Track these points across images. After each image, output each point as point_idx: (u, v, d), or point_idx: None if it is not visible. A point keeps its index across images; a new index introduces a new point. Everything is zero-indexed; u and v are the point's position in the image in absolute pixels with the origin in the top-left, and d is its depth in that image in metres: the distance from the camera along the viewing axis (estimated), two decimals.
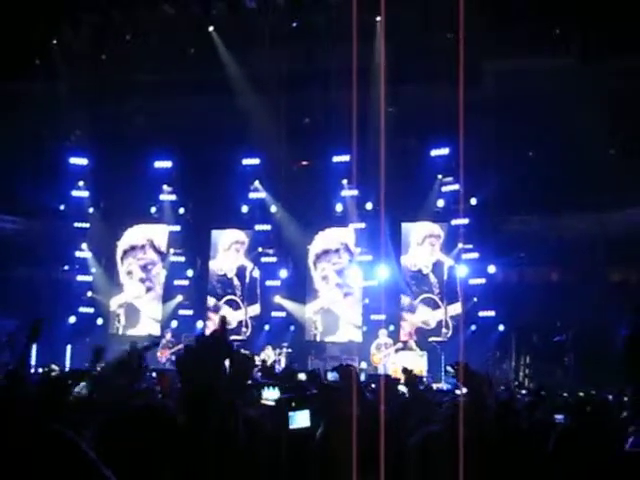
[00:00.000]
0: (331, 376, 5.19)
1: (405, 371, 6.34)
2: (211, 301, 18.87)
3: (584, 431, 3.10)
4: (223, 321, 2.67)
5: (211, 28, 17.81)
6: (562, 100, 14.77)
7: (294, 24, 17.44)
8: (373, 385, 9.18)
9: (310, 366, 15.14)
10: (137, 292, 19.26)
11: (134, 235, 19.51)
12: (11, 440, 2.26)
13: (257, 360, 15.07)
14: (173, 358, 16.58)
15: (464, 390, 3.80)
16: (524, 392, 12.48)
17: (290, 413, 3.65)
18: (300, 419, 3.64)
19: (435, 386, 13.29)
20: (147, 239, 19.46)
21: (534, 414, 5.05)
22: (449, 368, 12.33)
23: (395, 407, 4.45)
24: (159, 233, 19.44)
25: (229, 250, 18.99)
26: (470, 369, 3.90)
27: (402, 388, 6.27)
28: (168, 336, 17.45)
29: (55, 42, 18.14)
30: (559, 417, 4.90)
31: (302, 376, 5.11)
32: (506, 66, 15.66)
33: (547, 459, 3.28)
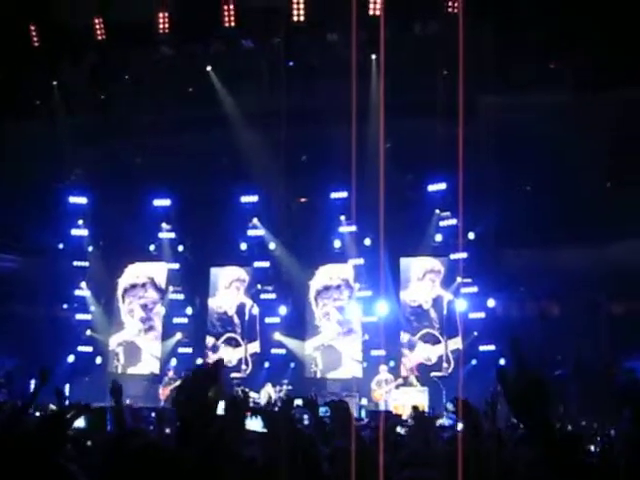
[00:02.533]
0: (322, 411, 5.13)
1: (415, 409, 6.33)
2: (210, 340, 18.79)
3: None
4: (219, 364, 2.71)
5: (209, 67, 18.02)
6: (558, 133, 14.87)
7: (290, 63, 17.64)
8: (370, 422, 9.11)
9: None
10: (136, 330, 19.19)
11: (135, 273, 19.51)
12: (16, 473, 2.25)
13: (257, 398, 14.99)
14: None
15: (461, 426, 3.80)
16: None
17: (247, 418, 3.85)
18: (253, 424, 3.85)
19: (437, 422, 13.16)
20: (148, 277, 19.45)
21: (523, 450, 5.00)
22: (449, 405, 12.24)
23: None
24: (159, 271, 19.43)
25: (230, 288, 18.97)
26: (469, 406, 3.88)
27: (400, 430, 6.20)
28: (170, 374, 17.32)
29: (55, 83, 18.33)
30: None
31: (299, 402, 5.08)
32: (501, 101, 15.80)
33: None
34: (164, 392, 16.75)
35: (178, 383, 16.58)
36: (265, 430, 3.95)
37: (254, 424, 4.22)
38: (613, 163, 15.70)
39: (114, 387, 5.27)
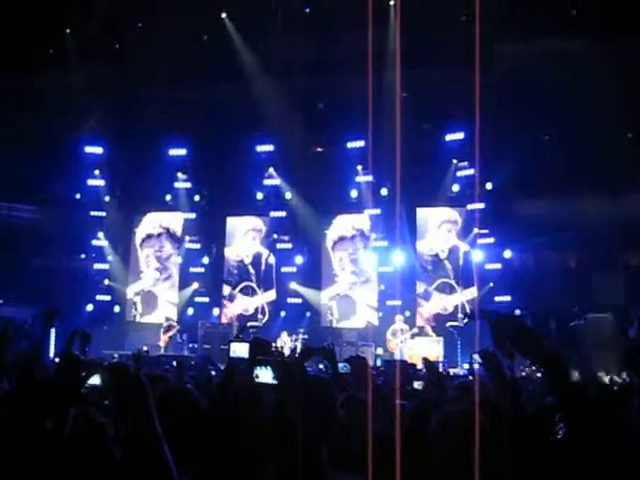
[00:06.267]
0: (342, 367, 5.18)
1: (425, 361, 6.34)
2: (227, 289, 18.92)
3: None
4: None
5: (224, 14, 17.76)
6: (578, 82, 14.60)
7: (307, 9, 17.36)
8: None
9: None
10: (153, 280, 19.35)
11: (151, 223, 19.58)
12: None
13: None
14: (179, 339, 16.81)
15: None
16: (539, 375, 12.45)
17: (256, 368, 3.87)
18: (264, 375, 3.86)
19: (452, 371, 13.27)
20: (163, 227, 19.53)
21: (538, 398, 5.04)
22: (475, 356, 12.30)
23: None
24: (175, 221, 19.50)
25: (246, 237, 19.02)
26: (496, 356, 3.88)
27: (417, 385, 6.21)
28: (169, 320, 17.46)
29: (68, 32, 18.16)
30: None
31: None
32: (520, 49, 15.49)
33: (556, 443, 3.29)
34: (164, 339, 16.89)
35: (177, 328, 16.90)
36: (275, 382, 3.98)
37: (264, 375, 4.26)
38: (635, 113, 15.40)
39: (136, 355, 5.36)
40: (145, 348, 16.13)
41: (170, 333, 16.90)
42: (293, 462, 2.94)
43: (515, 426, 3.35)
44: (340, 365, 5.08)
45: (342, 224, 18.46)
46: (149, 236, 19.53)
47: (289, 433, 3.13)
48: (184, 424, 3.01)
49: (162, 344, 16.77)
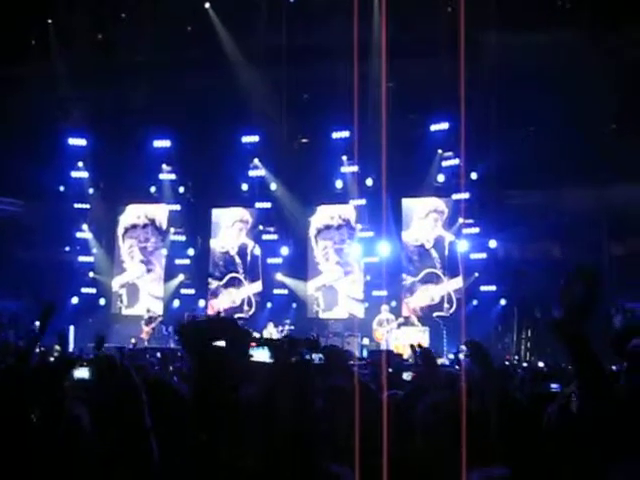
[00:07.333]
0: (316, 358, 5.20)
1: (412, 348, 6.34)
2: (213, 282, 18.86)
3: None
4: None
5: (207, 5, 17.65)
6: (564, 73, 14.64)
7: None
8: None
9: None
10: (138, 272, 19.27)
11: (136, 213, 19.50)
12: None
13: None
14: (165, 331, 16.77)
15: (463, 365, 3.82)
16: (525, 365, 12.54)
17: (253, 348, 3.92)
18: (260, 354, 3.90)
19: (438, 361, 13.30)
20: (149, 218, 19.44)
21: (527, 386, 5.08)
22: (463, 347, 12.36)
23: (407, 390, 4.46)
24: (160, 213, 19.41)
25: (232, 228, 18.97)
26: (482, 347, 3.89)
27: (406, 376, 6.23)
28: (150, 312, 17.41)
29: (50, 22, 17.99)
30: (555, 386, 4.91)
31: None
32: (508, 39, 15.50)
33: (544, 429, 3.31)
34: (146, 330, 16.82)
35: (159, 320, 16.92)
36: (271, 360, 3.97)
37: (260, 355, 4.26)
38: (619, 105, 15.48)
39: (98, 339, 5.35)
40: (133, 340, 16.14)
41: (152, 325, 16.87)
42: (281, 445, 2.94)
43: (502, 413, 3.37)
44: (315, 356, 5.09)
45: (327, 212, 18.43)
46: (134, 226, 19.43)
47: (279, 414, 3.13)
48: (165, 412, 3.00)
49: (145, 336, 16.73)
